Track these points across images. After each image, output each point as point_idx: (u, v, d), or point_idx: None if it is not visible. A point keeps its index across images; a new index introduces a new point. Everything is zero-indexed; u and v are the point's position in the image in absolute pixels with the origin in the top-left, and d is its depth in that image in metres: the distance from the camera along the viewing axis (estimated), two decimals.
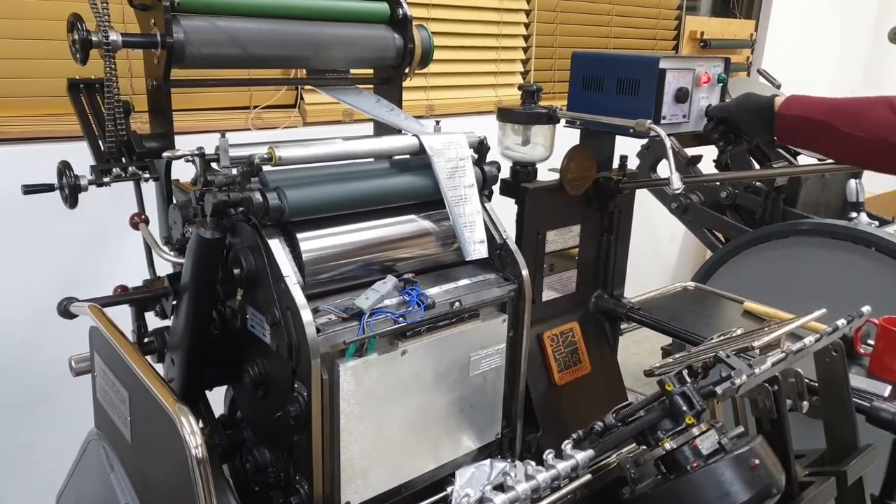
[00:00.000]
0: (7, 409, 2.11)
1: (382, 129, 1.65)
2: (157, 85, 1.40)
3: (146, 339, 1.48)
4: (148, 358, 1.44)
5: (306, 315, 1.18)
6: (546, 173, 1.85)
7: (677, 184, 1.56)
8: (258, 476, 1.38)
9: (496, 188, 1.59)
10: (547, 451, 1.14)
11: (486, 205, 1.49)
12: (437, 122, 1.50)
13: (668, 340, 2.98)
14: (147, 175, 1.44)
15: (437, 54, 1.71)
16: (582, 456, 1.13)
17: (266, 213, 1.20)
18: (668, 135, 1.60)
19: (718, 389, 1.15)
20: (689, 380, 1.16)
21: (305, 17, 1.50)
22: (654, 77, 1.69)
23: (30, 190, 1.41)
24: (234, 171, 1.22)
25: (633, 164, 2.36)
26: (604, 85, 1.79)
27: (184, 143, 1.35)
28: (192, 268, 1.29)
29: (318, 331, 1.19)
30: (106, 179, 1.39)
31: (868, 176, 2.43)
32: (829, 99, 1.56)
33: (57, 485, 1.55)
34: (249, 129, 2.45)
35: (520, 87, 1.81)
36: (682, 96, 1.73)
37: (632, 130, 1.68)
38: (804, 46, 5.00)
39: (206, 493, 1.00)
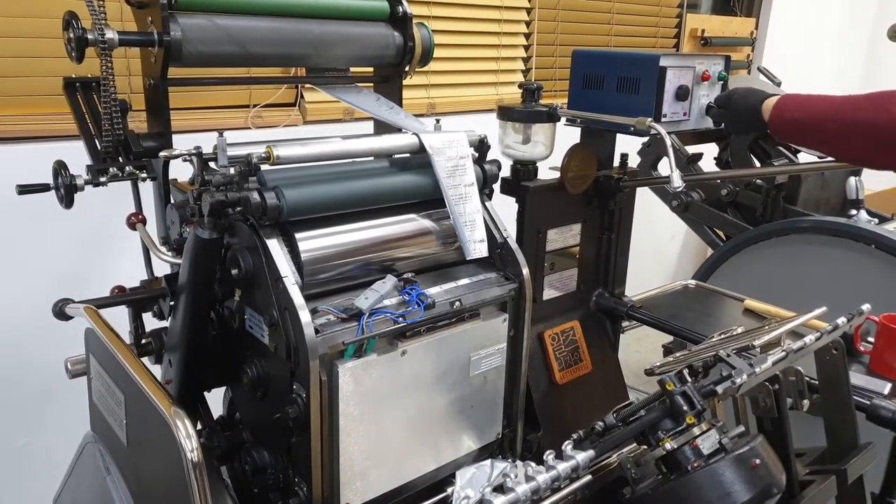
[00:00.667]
0: (4, 410, 2.10)
1: (382, 127, 1.64)
2: (154, 84, 1.39)
3: (144, 341, 1.47)
4: (146, 359, 1.44)
5: (305, 316, 1.17)
6: (547, 172, 1.84)
7: (678, 182, 1.56)
8: (257, 478, 1.37)
9: (497, 187, 1.59)
10: (547, 452, 1.14)
11: (486, 203, 1.48)
12: (438, 121, 1.49)
13: (669, 338, 2.97)
14: (144, 175, 1.43)
15: (437, 52, 1.70)
16: (582, 456, 1.12)
17: (264, 212, 1.19)
18: (669, 133, 1.60)
19: (719, 389, 1.14)
20: (689, 379, 1.15)
21: (305, 15, 1.50)
22: (654, 75, 1.68)
23: (25, 190, 1.40)
24: (232, 171, 1.21)
25: (633, 162, 2.35)
26: (604, 83, 1.78)
27: (182, 142, 1.35)
28: (190, 268, 1.28)
29: (317, 331, 1.18)
30: (102, 179, 1.38)
31: (868, 173, 2.42)
32: (820, 100, 1.55)
33: (53, 487, 1.54)
34: (249, 128, 2.44)
35: (520, 86, 1.80)
36: (682, 94, 1.73)
37: (632, 129, 1.67)
38: (804, 44, 5.00)
39: (202, 497, 0.99)
